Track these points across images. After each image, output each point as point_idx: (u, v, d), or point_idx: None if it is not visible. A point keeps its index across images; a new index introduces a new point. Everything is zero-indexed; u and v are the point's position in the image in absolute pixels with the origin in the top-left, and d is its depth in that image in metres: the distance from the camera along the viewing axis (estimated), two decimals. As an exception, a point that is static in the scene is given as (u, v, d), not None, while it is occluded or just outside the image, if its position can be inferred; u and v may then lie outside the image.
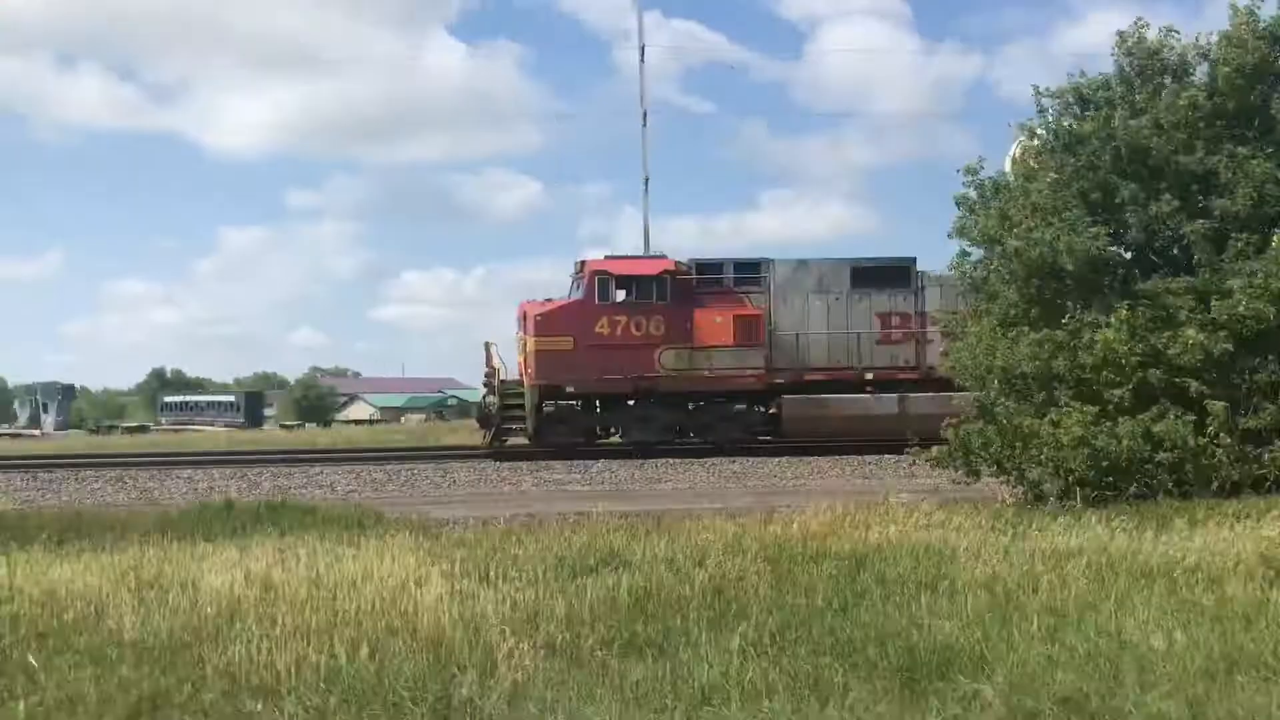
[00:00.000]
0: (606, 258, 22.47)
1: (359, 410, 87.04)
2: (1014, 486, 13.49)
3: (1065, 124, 14.09)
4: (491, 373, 22.72)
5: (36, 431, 63.22)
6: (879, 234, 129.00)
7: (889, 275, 22.54)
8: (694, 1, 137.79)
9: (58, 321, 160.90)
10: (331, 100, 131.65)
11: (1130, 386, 12.42)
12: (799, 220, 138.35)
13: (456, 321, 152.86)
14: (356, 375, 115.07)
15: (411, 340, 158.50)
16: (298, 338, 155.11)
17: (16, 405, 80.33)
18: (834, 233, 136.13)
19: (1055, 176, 13.77)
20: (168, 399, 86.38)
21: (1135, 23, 13.72)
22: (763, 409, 22.12)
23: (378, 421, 71.45)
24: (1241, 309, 12.11)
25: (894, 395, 21.77)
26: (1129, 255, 13.83)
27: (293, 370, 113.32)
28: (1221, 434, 12.05)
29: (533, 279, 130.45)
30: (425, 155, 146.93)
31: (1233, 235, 12.62)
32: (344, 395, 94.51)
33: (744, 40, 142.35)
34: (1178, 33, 13.53)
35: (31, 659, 5.88)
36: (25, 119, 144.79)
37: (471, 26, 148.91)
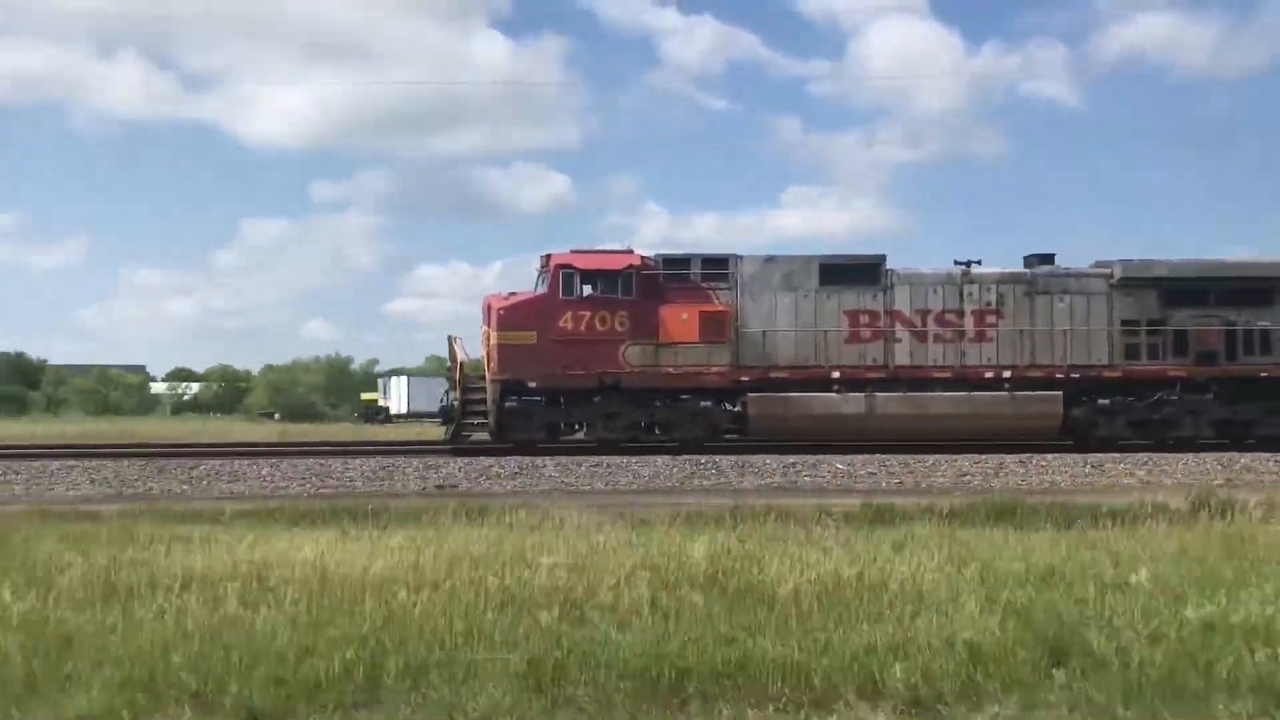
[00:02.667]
0: (572, 251, 22.08)
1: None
2: None
3: None
4: (455, 367, 22.35)
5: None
6: (901, 233, 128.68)
7: (858, 272, 22.25)
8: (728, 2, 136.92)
9: (74, 309, 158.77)
10: (370, 93, 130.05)
11: None
12: (822, 218, 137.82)
13: (470, 316, 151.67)
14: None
15: (423, 333, 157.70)
16: (309, 330, 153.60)
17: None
18: (855, 232, 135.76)
19: None
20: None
21: None
22: (729, 406, 21.78)
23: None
24: None
25: (861, 395, 21.52)
26: None
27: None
28: None
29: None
30: (460, 149, 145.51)
31: None
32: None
33: (779, 41, 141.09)
34: None
35: None
36: (63, 108, 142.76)
37: (518, 21, 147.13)
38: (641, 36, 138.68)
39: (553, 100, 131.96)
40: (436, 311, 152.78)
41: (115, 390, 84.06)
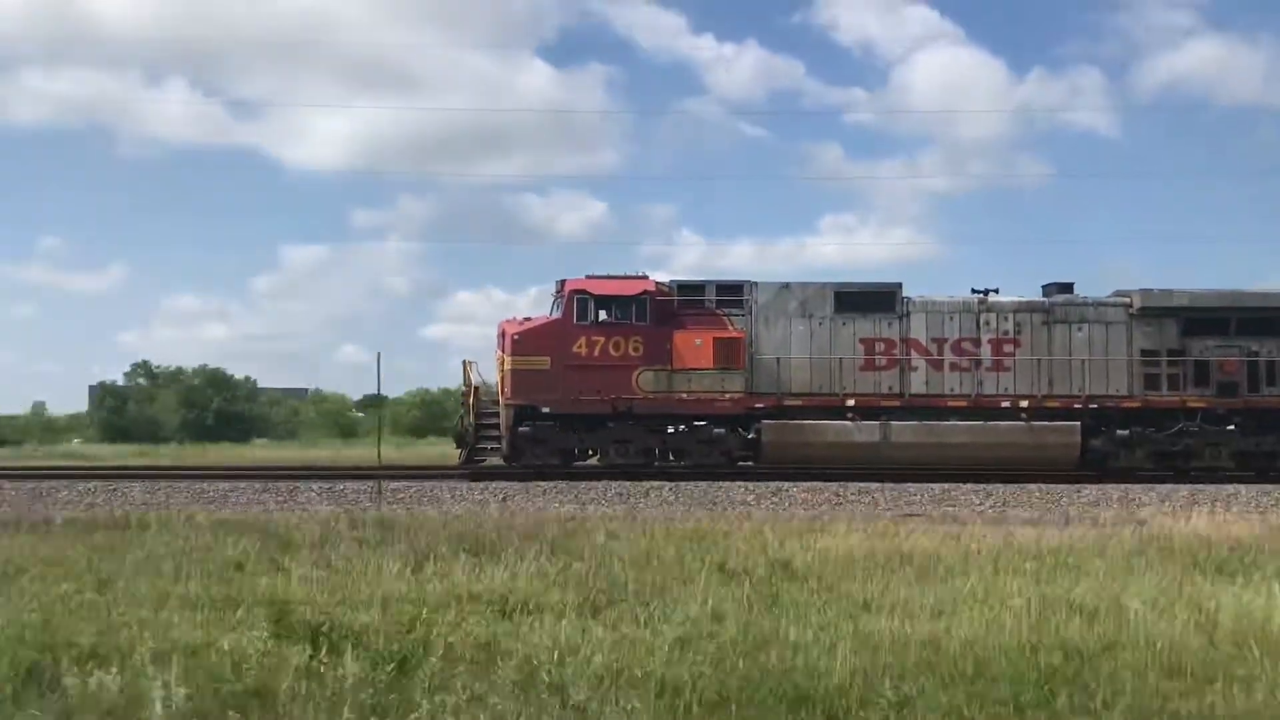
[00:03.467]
0: (587, 277, 22.12)
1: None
2: None
3: None
4: (469, 391, 22.40)
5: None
6: (940, 262, 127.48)
7: (873, 300, 22.16)
8: (768, 29, 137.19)
9: (111, 335, 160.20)
10: (414, 121, 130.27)
11: None
12: (862, 247, 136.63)
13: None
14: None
15: (456, 359, 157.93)
16: (343, 355, 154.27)
17: None
18: (894, 261, 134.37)
19: None
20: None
21: None
22: (743, 433, 21.70)
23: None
24: None
25: (876, 423, 21.38)
26: None
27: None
28: None
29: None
30: (501, 176, 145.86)
31: None
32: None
33: (821, 69, 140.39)
34: None
35: None
36: (110, 133, 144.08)
37: (564, 50, 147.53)
38: (685, 65, 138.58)
39: (594, 128, 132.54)
40: (469, 336, 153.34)
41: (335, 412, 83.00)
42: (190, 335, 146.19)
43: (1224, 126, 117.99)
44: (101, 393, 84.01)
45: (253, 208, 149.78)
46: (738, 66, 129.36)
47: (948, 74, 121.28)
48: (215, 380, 79.77)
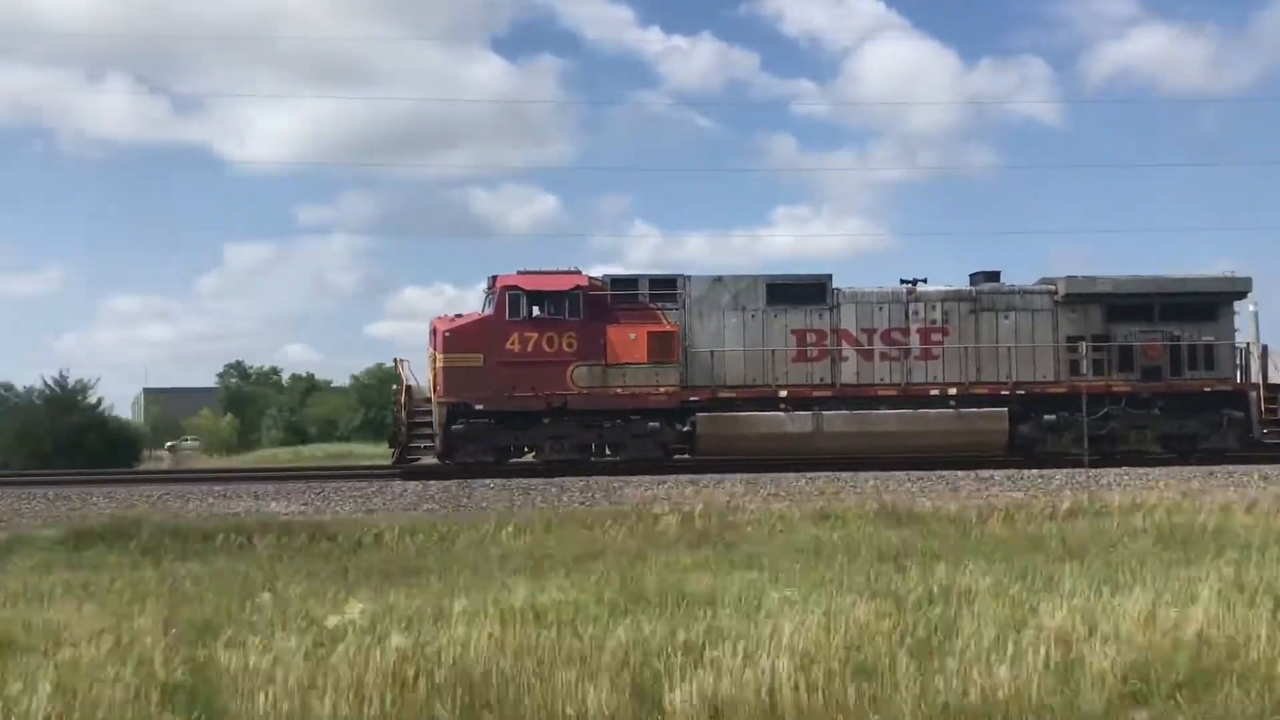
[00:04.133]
0: (519, 273, 22.02)
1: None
2: None
3: None
4: (401, 389, 22.21)
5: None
6: (892, 253, 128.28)
7: (805, 292, 22.33)
8: (716, 21, 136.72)
9: (51, 337, 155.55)
10: (362, 116, 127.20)
11: None
12: (815, 238, 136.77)
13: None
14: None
15: (402, 355, 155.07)
16: (288, 354, 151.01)
17: None
18: (848, 251, 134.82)
19: None
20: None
21: None
22: (678, 426, 21.75)
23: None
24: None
25: (808, 413, 21.55)
26: None
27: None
28: None
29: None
30: (450, 171, 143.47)
31: None
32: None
33: (774, 61, 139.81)
34: None
35: None
36: (52, 132, 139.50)
37: (515, 42, 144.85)
38: (636, 57, 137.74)
39: (546, 120, 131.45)
40: (417, 334, 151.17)
41: None
42: (131, 337, 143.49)
43: (1168, 115, 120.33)
44: (225, 394, 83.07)
45: (197, 205, 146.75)
46: (690, 58, 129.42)
47: (897, 65, 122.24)
48: (389, 379, 78.87)
